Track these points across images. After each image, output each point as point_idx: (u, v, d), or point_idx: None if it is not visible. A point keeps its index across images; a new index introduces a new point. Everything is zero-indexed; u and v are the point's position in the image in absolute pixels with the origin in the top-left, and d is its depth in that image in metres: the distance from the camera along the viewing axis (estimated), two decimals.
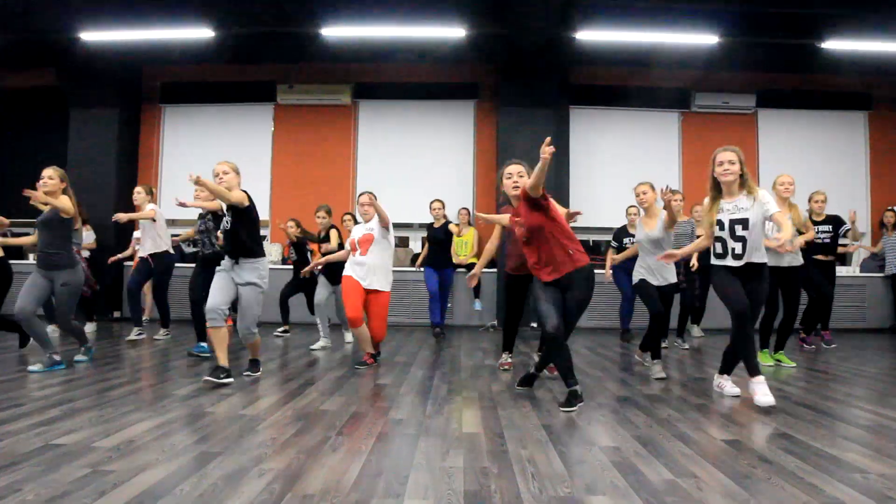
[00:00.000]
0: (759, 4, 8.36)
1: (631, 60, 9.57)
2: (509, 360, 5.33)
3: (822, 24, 8.55)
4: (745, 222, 3.93)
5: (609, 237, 7.66)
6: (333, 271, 6.41)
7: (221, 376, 4.30)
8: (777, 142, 10.15)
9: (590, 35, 8.51)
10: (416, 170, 10.03)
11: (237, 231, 4.55)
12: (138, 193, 6.84)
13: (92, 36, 8.72)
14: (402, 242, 9.87)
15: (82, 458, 2.61)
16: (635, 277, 5.19)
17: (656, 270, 5.08)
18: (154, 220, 6.63)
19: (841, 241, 6.76)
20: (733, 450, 2.92)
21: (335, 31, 8.58)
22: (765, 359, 5.52)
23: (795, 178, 5.57)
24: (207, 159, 10.07)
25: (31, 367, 4.76)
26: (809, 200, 6.54)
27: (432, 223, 8.13)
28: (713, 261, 4.13)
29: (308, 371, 5.11)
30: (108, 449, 2.76)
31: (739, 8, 8.38)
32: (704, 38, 8.56)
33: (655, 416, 3.61)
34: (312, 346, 6.38)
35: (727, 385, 4.25)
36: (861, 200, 9.96)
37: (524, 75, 9.24)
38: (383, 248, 5.47)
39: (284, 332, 7.57)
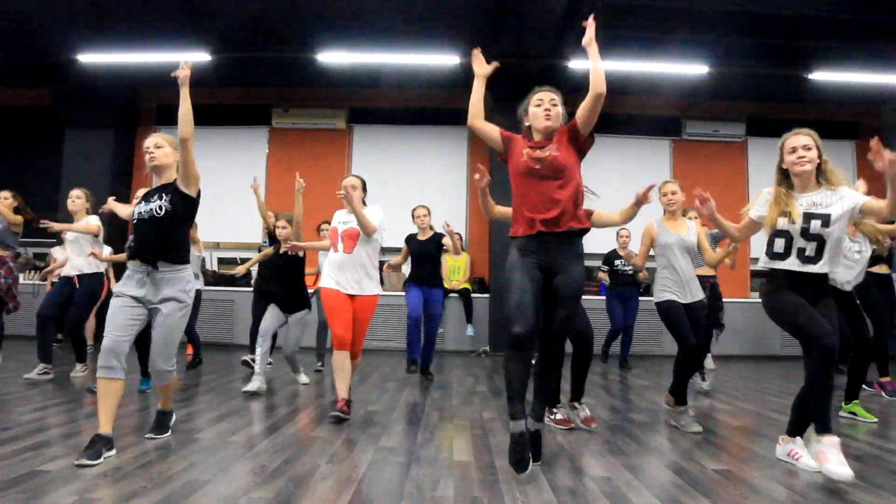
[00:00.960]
0: (749, 36, 8.52)
1: (623, 89, 9.69)
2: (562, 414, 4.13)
3: (811, 56, 8.72)
4: (825, 218, 3.05)
5: (600, 262, 7.74)
6: (287, 299, 5.53)
7: (104, 451, 3.01)
8: (767, 170, 10.10)
9: (583, 64, 8.62)
10: (410, 195, 10.02)
11: (171, 221, 3.40)
12: (77, 199, 5.63)
13: (89, 58, 8.78)
14: (395, 267, 9.86)
15: (69, 485, 2.58)
16: (660, 297, 4.29)
17: (687, 284, 4.29)
18: (97, 236, 5.60)
19: None
20: (724, 480, 2.92)
21: (331, 57, 8.67)
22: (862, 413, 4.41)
23: None
24: (202, 182, 10.19)
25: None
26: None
27: (415, 234, 6.32)
28: (766, 264, 3.22)
29: (298, 397, 5.07)
30: (95, 476, 2.73)
31: (730, 39, 8.53)
32: (695, 68, 8.70)
33: (646, 446, 3.61)
34: (246, 388, 5.03)
35: (803, 454, 3.13)
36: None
37: (518, 101, 9.33)
38: (373, 246, 4.51)
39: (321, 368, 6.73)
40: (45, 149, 10.15)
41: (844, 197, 3.10)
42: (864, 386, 5.08)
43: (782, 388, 5.94)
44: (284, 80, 10.03)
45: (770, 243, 3.21)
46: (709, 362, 6.76)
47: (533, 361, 3.19)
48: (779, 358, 8.80)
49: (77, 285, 5.56)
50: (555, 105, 3.40)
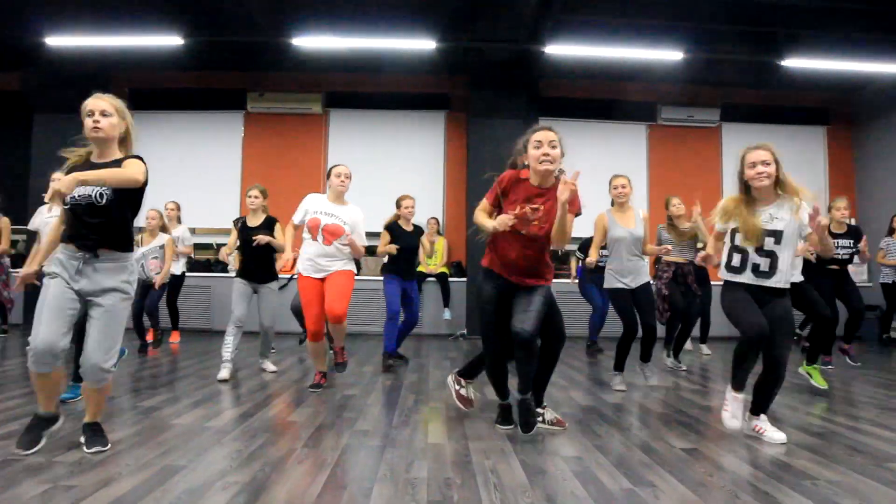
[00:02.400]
0: (723, 22, 8.61)
1: (599, 74, 9.77)
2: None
3: (783, 43, 8.84)
4: (778, 235, 3.31)
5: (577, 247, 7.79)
6: (252, 269, 5.38)
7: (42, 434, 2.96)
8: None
9: (559, 49, 8.65)
10: (387, 179, 10.04)
11: (112, 209, 2.93)
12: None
13: (58, 41, 8.59)
14: (371, 252, 9.87)
15: (43, 474, 2.58)
16: (610, 285, 4.88)
17: (631, 272, 4.82)
18: None
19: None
20: (691, 458, 3.01)
21: (306, 42, 8.58)
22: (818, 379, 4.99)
23: None
24: (177, 166, 10.10)
25: None
26: (829, 209, 5.72)
27: (399, 224, 6.04)
28: (725, 275, 3.51)
29: (274, 382, 5.09)
30: (70, 464, 2.73)
31: (704, 25, 8.62)
32: (670, 54, 8.77)
33: (618, 426, 3.69)
34: (220, 376, 5.03)
35: (767, 428, 3.41)
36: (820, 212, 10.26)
37: (494, 87, 9.36)
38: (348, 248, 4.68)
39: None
40: (14, 134, 9.96)
41: (799, 210, 3.32)
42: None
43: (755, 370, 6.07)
44: (259, 64, 9.92)
45: (729, 257, 3.48)
46: (688, 345, 7.24)
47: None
48: None
49: None
50: (554, 147, 3.35)
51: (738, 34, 8.94)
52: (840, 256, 5.62)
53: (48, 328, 2.78)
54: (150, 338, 6.83)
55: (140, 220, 4.16)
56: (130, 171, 2.88)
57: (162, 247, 6.53)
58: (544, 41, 8.56)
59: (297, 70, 9.92)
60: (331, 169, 4.88)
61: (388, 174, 10.07)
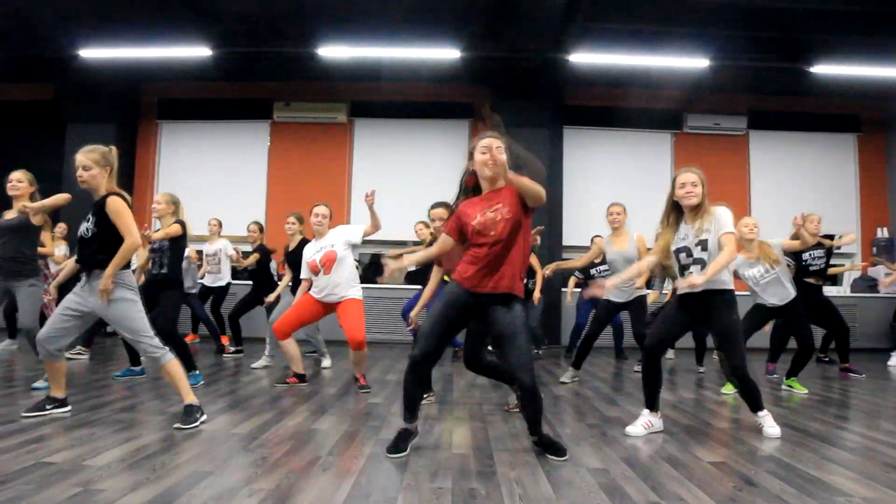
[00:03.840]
0: (750, 29, 8.52)
1: (624, 82, 9.72)
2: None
3: (812, 49, 8.72)
4: (704, 243, 3.70)
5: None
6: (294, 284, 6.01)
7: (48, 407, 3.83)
8: (768, 163, 10.30)
9: (583, 58, 8.63)
10: (411, 188, 10.09)
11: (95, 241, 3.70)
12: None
13: (91, 53, 8.82)
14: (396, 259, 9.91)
15: (73, 477, 2.62)
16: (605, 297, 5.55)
17: (622, 289, 5.57)
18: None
19: (834, 260, 6.43)
20: (719, 472, 2.95)
21: (332, 52, 8.67)
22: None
23: (786, 199, 5.73)
24: (204, 175, 10.26)
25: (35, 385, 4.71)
26: (806, 221, 5.95)
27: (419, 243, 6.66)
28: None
29: (299, 390, 5.12)
30: (100, 467, 2.77)
31: (731, 31, 8.54)
32: (696, 61, 8.70)
33: (644, 438, 3.64)
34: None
35: (764, 424, 3.77)
36: (851, 222, 10.09)
37: (518, 96, 9.35)
38: (349, 261, 5.07)
39: (238, 352, 7.24)
40: (47, 143, 10.20)
41: (718, 220, 3.68)
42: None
43: (780, 380, 5.97)
44: (285, 74, 10.07)
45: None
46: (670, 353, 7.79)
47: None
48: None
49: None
50: (501, 153, 3.27)
51: (766, 41, 8.83)
52: (817, 267, 6.16)
53: (47, 327, 3.71)
54: (224, 340, 7.55)
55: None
56: (125, 235, 3.65)
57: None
58: (569, 50, 8.56)
59: (322, 80, 10.04)
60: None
61: (412, 182, 10.12)
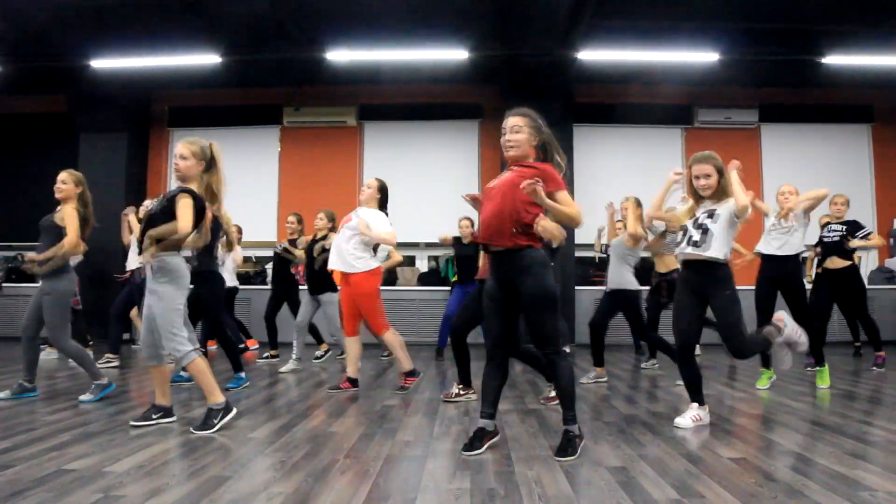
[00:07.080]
0: (760, 21, 8.43)
1: (633, 78, 9.67)
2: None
3: (823, 39, 8.62)
4: (713, 212, 3.77)
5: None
6: (315, 283, 6.19)
7: (153, 417, 3.81)
8: (780, 156, 10.20)
9: (591, 55, 8.59)
10: (422, 190, 10.10)
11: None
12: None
13: (101, 63, 8.89)
14: (409, 261, 9.92)
15: (94, 484, 2.64)
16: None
17: (609, 277, 5.90)
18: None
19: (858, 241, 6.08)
20: (740, 468, 2.92)
21: (340, 55, 8.70)
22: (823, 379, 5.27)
23: (800, 191, 5.64)
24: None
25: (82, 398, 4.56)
26: (830, 203, 6.13)
27: (459, 238, 7.25)
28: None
29: (315, 393, 5.13)
30: (120, 474, 2.79)
31: (740, 24, 8.46)
32: (706, 55, 8.63)
33: (662, 435, 3.62)
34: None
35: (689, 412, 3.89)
36: (866, 214, 9.96)
37: (528, 95, 9.28)
38: (357, 237, 5.01)
39: (273, 356, 7.11)
40: (60, 154, 10.29)
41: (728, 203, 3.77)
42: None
43: (801, 376, 5.91)
44: (294, 79, 10.11)
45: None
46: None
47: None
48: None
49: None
50: (517, 132, 3.30)
51: (776, 32, 8.73)
52: (829, 239, 6.18)
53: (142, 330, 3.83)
54: (249, 344, 7.78)
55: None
56: (178, 219, 3.57)
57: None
58: (577, 47, 8.52)
59: (331, 84, 10.07)
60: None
61: (422, 184, 10.13)
